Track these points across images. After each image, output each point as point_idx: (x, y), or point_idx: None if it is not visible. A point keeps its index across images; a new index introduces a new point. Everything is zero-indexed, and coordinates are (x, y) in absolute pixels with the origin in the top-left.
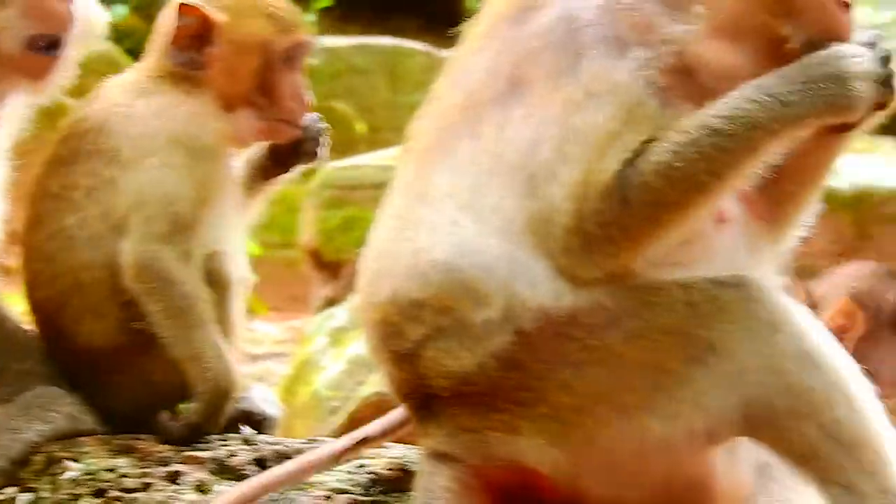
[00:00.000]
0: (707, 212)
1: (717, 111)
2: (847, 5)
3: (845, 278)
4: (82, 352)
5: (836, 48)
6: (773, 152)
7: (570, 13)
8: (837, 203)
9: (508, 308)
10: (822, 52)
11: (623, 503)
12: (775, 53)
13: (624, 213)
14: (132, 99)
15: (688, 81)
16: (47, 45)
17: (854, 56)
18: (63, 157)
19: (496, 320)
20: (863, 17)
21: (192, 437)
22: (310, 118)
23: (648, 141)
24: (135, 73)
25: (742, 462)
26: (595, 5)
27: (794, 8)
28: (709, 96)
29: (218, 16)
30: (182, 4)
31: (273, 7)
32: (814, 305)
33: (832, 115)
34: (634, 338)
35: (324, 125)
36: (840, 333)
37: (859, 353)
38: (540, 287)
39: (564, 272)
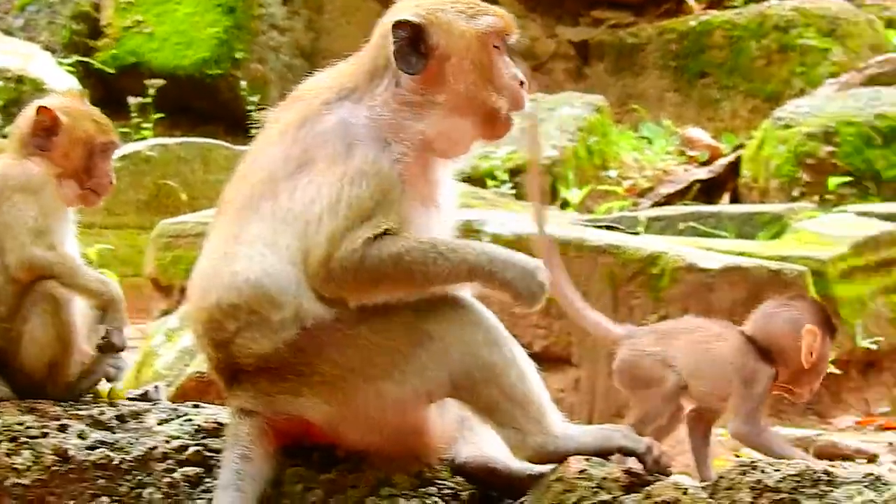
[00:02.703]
0: (409, 297)
1: (448, 241)
2: (523, 83)
3: (790, 309)
4: None
5: (540, 266)
6: (467, 284)
7: (346, 120)
8: (502, 245)
9: (296, 312)
10: (534, 262)
11: (368, 445)
12: (492, 120)
13: (359, 271)
14: None
15: (422, 165)
16: None
17: (546, 277)
18: None
19: (288, 319)
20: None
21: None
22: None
23: (390, 230)
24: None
25: (449, 415)
26: (363, 115)
27: (498, 87)
28: (434, 188)
29: (63, 117)
30: (41, 107)
31: (97, 116)
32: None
33: (521, 299)
34: (378, 330)
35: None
36: (810, 351)
37: (818, 359)
38: (316, 300)
39: (315, 292)
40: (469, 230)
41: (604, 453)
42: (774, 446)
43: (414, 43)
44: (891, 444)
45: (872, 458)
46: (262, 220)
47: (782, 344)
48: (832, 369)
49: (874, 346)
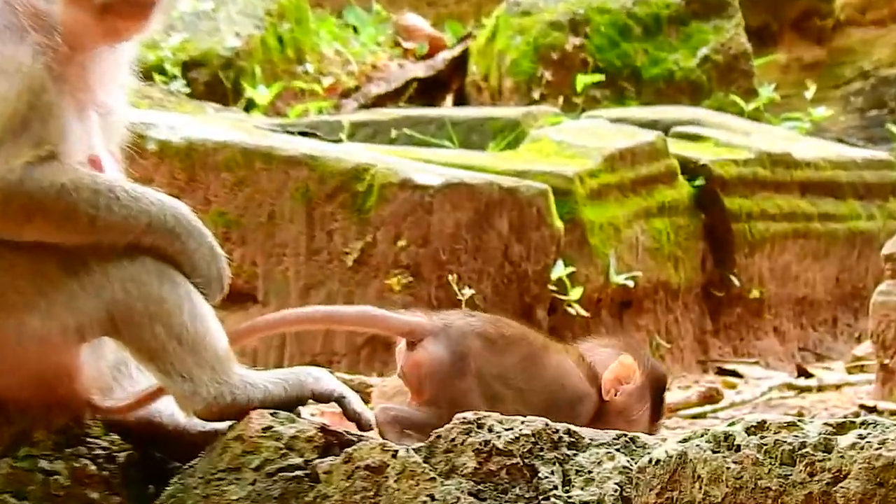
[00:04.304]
0: (66, 241)
1: (130, 187)
2: None
3: (610, 346)
4: None
5: (225, 260)
6: (142, 241)
7: None
8: (172, 153)
9: None
10: (222, 253)
11: (5, 392)
12: (97, 9)
13: (13, 195)
14: None
15: (71, 58)
16: None
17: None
18: None
19: None
20: (187, 5)
21: None
22: None
23: (57, 154)
24: None
25: (104, 359)
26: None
27: None
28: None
29: None
30: None
31: None
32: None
33: (197, 276)
34: (24, 251)
35: None
36: (618, 385)
37: (627, 404)
38: None
39: None
40: (132, 135)
41: (295, 403)
42: None
43: None
44: None
45: None
46: None
47: (596, 367)
48: (581, 311)
49: (630, 283)
